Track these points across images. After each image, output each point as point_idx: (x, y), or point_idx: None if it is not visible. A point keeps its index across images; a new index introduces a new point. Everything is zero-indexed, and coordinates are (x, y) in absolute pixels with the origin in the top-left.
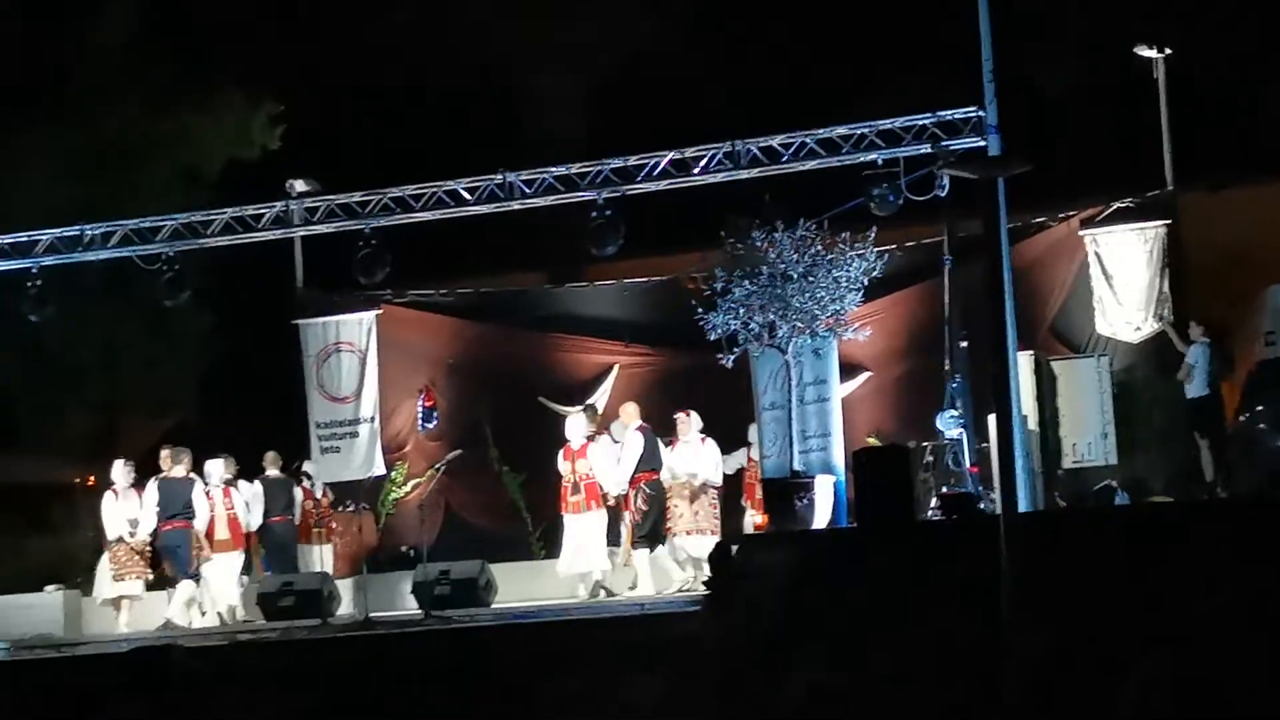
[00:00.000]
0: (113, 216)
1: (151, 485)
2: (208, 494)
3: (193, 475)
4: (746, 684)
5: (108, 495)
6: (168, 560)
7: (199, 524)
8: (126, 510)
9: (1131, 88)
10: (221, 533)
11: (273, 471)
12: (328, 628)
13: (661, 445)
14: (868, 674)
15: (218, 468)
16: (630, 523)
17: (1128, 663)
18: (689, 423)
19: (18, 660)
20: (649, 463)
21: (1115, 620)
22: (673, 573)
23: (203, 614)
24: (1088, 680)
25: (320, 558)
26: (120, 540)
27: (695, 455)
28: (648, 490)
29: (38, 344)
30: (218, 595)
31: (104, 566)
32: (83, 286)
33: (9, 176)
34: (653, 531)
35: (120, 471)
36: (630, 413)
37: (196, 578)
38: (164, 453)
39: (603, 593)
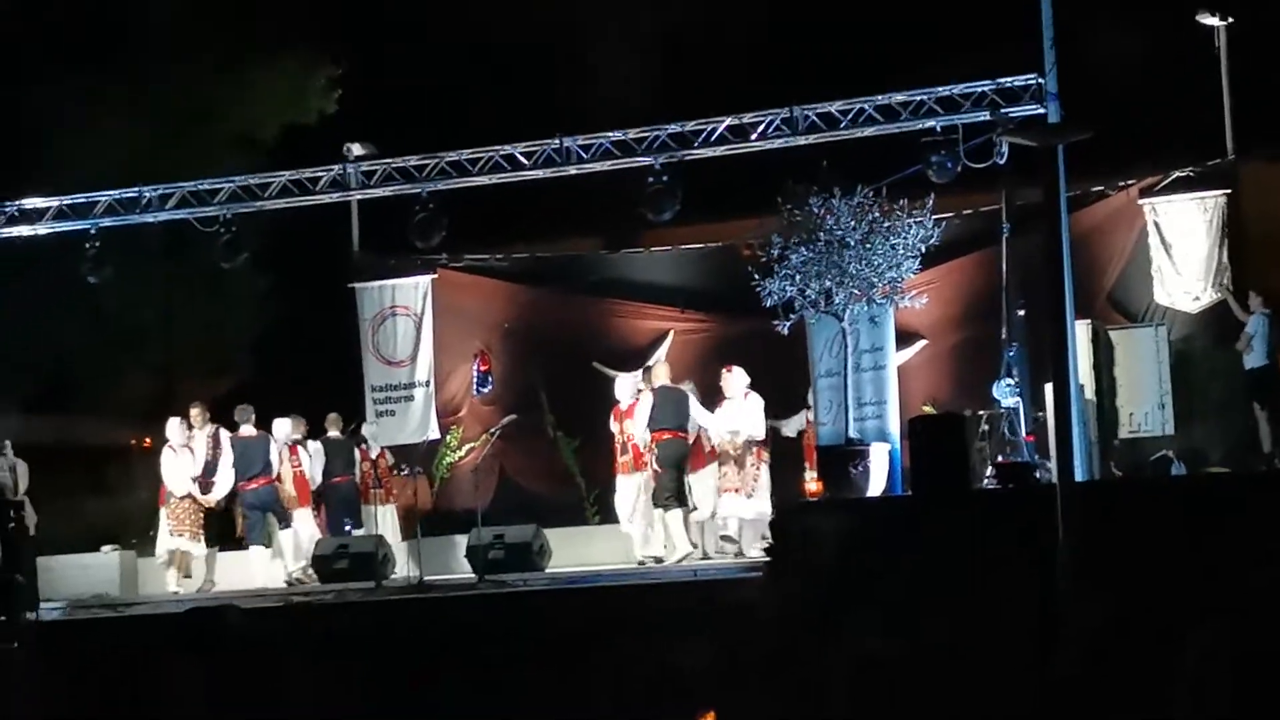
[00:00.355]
0: (171, 178)
1: (226, 444)
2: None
3: (266, 433)
4: (801, 650)
5: (166, 452)
6: (247, 519)
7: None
8: (186, 467)
9: (1192, 56)
10: (289, 489)
11: (333, 432)
12: (382, 590)
13: (695, 404)
14: (922, 642)
15: (285, 427)
16: (648, 483)
17: (1184, 633)
18: (731, 379)
19: (74, 620)
20: (662, 422)
21: (1172, 591)
22: (677, 540)
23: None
24: (1144, 650)
25: (377, 518)
26: (188, 496)
27: (737, 412)
28: (657, 450)
29: (96, 306)
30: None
31: (162, 523)
32: (141, 248)
33: (69, 136)
34: (678, 493)
35: (175, 429)
36: (658, 374)
37: (288, 525)
38: (194, 410)
39: (650, 560)
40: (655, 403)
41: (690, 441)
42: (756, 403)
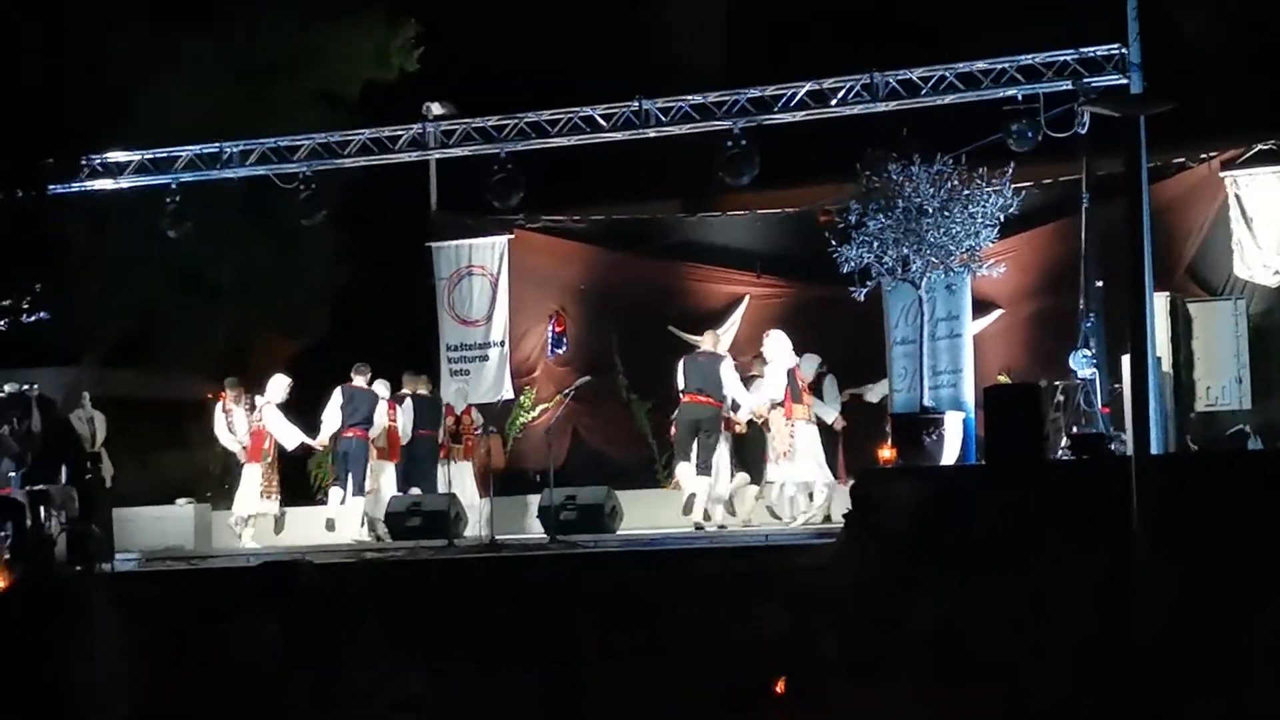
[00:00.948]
0: (253, 134)
1: (337, 392)
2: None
3: (373, 391)
4: (874, 616)
5: (269, 410)
6: (336, 465)
7: (374, 434)
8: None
9: (1277, 27)
10: (380, 442)
11: (422, 390)
12: (454, 549)
13: (728, 377)
14: (995, 611)
15: (385, 387)
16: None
17: (1259, 607)
18: (767, 343)
19: (149, 571)
20: (688, 387)
21: (1247, 565)
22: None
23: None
24: (1219, 624)
25: (451, 474)
26: (291, 450)
27: (763, 379)
28: (678, 412)
29: (175, 261)
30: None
31: (253, 482)
32: (220, 204)
33: (152, 90)
34: (685, 453)
35: (281, 387)
36: (702, 342)
37: (362, 492)
38: (230, 390)
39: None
40: (683, 369)
41: (720, 408)
42: (779, 365)
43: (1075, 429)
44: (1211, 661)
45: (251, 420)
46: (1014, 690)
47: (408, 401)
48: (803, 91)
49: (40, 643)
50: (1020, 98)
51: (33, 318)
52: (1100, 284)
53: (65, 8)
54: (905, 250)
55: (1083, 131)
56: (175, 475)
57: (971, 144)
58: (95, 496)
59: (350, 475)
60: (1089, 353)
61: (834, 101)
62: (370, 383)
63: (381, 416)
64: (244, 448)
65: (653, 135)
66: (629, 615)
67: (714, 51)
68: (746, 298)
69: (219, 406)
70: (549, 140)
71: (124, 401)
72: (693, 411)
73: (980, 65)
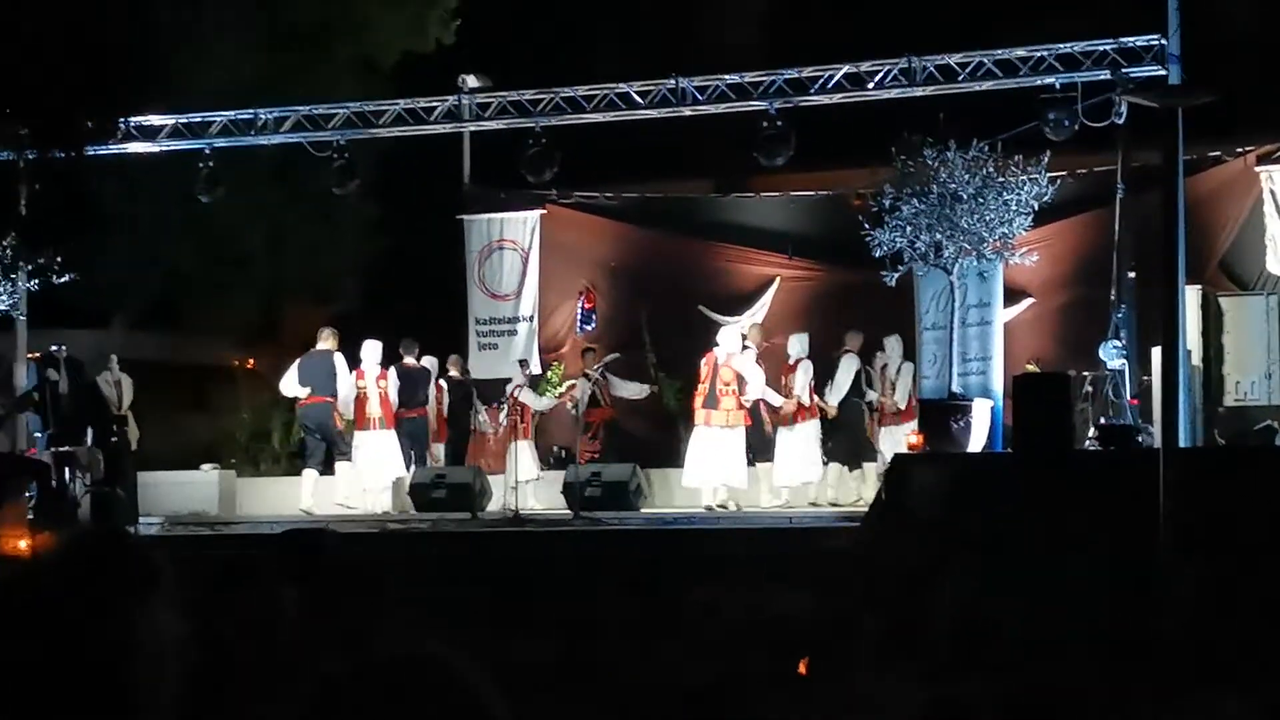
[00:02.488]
0: (290, 100)
1: (391, 373)
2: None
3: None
4: (899, 602)
5: (393, 372)
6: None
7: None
8: None
9: None
10: (433, 423)
11: (454, 373)
12: (477, 522)
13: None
14: (1019, 600)
15: (432, 363)
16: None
17: None
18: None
19: (171, 535)
20: None
21: (1272, 559)
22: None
23: None
24: (1245, 619)
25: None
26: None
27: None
28: None
29: (206, 226)
30: None
31: (388, 449)
32: (254, 170)
33: (191, 55)
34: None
35: (377, 351)
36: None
37: (424, 463)
38: (325, 332)
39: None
40: None
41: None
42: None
43: (1103, 420)
44: (1235, 655)
45: (377, 387)
46: (1034, 678)
47: (442, 383)
48: (840, 74)
49: (106, 607)
50: (1058, 86)
51: (63, 279)
52: (1132, 275)
53: None
54: (938, 236)
55: (1120, 122)
56: (201, 440)
57: (1008, 131)
58: (120, 459)
59: (413, 454)
60: (1119, 344)
61: (871, 85)
62: (419, 357)
63: (432, 394)
64: (379, 417)
65: (688, 114)
66: (649, 593)
67: (752, 31)
68: (777, 279)
69: (336, 358)
70: (584, 116)
71: (151, 365)
72: None
73: (1019, 52)
